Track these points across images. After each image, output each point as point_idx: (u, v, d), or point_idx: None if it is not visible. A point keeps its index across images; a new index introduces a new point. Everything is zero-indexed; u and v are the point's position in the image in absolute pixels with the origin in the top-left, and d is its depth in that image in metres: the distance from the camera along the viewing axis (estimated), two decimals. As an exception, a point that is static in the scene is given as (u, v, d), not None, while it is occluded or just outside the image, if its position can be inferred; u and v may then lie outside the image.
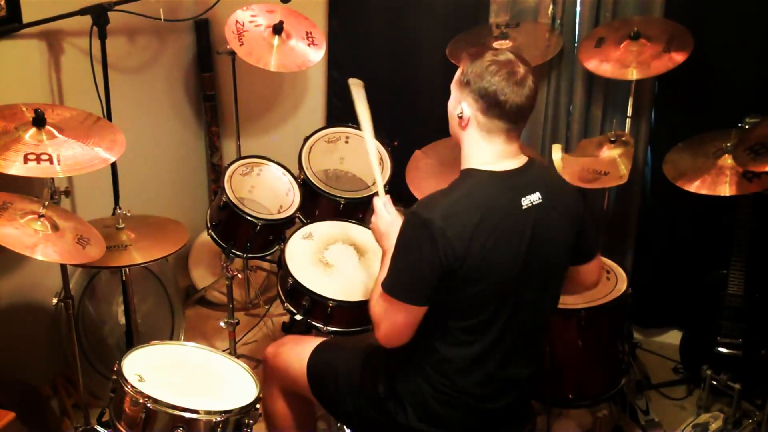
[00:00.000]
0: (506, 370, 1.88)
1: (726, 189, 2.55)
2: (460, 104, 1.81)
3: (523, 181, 1.82)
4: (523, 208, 1.79)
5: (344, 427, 2.33)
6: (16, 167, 2.06)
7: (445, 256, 1.72)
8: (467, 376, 1.86)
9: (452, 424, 1.90)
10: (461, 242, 1.72)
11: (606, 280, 2.61)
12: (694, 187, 2.59)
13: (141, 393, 1.94)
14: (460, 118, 1.82)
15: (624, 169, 2.74)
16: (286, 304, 2.53)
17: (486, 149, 1.82)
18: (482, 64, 1.77)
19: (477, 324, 1.82)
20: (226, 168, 2.81)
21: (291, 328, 2.87)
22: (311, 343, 2.19)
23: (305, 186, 2.89)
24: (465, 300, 1.79)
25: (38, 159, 2.11)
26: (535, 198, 1.80)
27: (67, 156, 2.15)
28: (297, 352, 2.17)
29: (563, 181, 1.98)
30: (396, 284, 1.79)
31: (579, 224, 1.92)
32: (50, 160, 2.12)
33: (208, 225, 2.80)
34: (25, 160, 2.09)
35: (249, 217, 2.67)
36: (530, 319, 1.88)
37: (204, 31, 3.59)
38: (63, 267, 2.41)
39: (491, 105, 1.76)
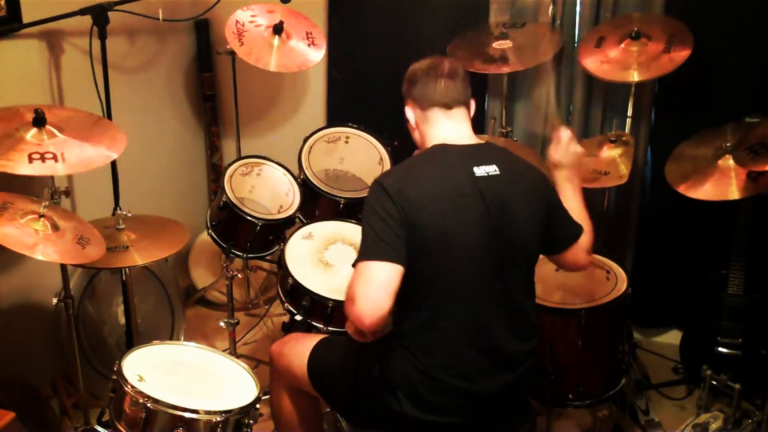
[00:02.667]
0: (488, 344, 1.89)
1: (735, 192, 2.53)
2: (406, 113, 2.03)
3: (479, 153, 1.93)
4: (476, 175, 1.87)
5: (344, 426, 2.33)
6: (22, 167, 2.07)
7: (404, 210, 1.80)
8: (449, 352, 1.87)
9: (445, 411, 1.91)
10: (416, 199, 1.81)
11: (606, 280, 2.61)
12: (704, 193, 2.56)
13: (141, 393, 1.94)
14: (408, 123, 2.03)
15: (624, 169, 2.74)
16: (286, 304, 2.53)
17: (436, 133, 1.97)
18: (409, 74, 2.02)
19: (447, 295, 1.85)
20: (226, 168, 2.81)
21: (291, 328, 2.87)
22: (312, 339, 2.20)
23: (305, 186, 2.89)
24: (433, 264, 1.83)
25: (42, 158, 2.11)
26: (491, 169, 1.88)
27: (69, 154, 2.15)
28: (298, 350, 2.18)
29: (528, 163, 2.02)
30: (364, 248, 1.82)
31: (550, 205, 1.99)
32: (55, 159, 2.12)
33: (208, 225, 2.80)
34: (30, 159, 2.09)
35: (249, 217, 2.67)
36: (505, 293, 1.90)
37: (204, 31, 3.59)
38: (63, 267, 2.41)
39: (422, 97, 1.97)
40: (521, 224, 1.90)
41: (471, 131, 1.99)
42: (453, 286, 1.85)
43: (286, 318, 2.95)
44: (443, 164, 1.90)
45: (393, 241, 1.79)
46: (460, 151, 1.92)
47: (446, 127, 1.96)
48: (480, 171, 1.87)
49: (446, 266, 1.84)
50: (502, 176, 1.89)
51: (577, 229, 2.07)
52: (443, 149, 1.93)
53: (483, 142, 1.98)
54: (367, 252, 1.81)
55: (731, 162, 2.56)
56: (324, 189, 2.88)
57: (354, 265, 1.83)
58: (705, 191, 2.58)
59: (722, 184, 2.56)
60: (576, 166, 2.17)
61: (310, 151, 2.98)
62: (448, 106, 1.95)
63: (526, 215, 1.91)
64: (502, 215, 1.86)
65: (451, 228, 1.83)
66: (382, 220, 1.81)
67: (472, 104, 2.02)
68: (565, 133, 2.18)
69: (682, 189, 2.61)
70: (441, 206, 1.83)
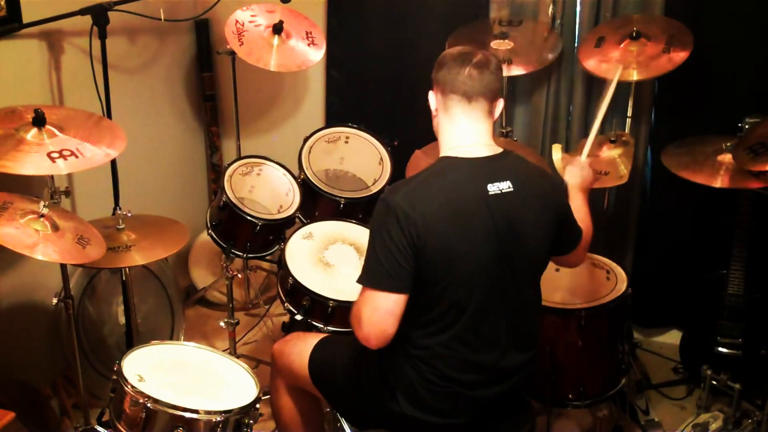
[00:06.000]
0: (491, 358, 1.89)
1: (719, 182, 2.54)
2: (429, 99, 1.95)
3: (493, 168, 1.86)
4: (490, 193, 1.82)
5: (344, 426, 2.33)
6: (23, 167, 2.07)
7: (410, 235, 1.76)
8: (449, 363, 1.87)
9: (445, 413, 1.91)
10: (424, 222, 1.76)
11: (606, 280, 2.61)
12: (690, 174, 2.59)
13: (141, 393, 1.94)
14: (431, 110, 1.95)
15: (624, 169, 2.74)
16: (286, 304, 2.53)
17: (452, 131, 1.90)
18: (440, 58, 1.92)
19: (453, 311, 1.83)
20: (226, 168, 2.81)
21: (291, 328, 2.87)
22: (314, 338, 2.20)
23: (305, 186, 2.89)
24: (439, 284, 1.81)
25: (61, 155, 2.11)
26: (504, 186, 1.84)
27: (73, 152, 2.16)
28: (300, 349, 2.18)
29: (542, 173, 1.99)
30: (371, 273, 1.81)
31: (561, 214, 1.97)
32: (74, 155, 2.14)
33: (208, 225, 2.80)
34: (52, 159, 2.09)
35: (249, 217, 2.67)
36: (511, 307, 1.89)
37: (204, 31, 3.59)
38: (63, 267, 2.41)
39: (445, 83, 1.88)
40: (531, 239, 1.87)
41: (489, 134, 1.91)
42: (458, 303, 1.83)
43: (286, 318, 2.96)
44: (455, 182, 1.83)
45: (398, 271, 1.78)
46: (474, 165, 1.86)
47: (463, 124, 1.88)
48: (493, 188, 1.82)
49: (452, 284, 1.82)
50: (515, 193, 1.84)
51: (579, 234, 2.07)
52: (455, 164, 1.86)
53: (499, 151, 1.91)
54: (372, 279, 1.81)
55: (728, 158, 2.57)
56: (324, 189, 2.88)
57: (359, 282, 1.83)
58: (691, 174, 2.60)
59: (711, 174, 2.57)
60: (585, 181, 2.26)
61: (310, 151, 2.99)
62: (468, 97, 1.86)
63: (536, 230, 1.88)
64: (512, 233, 1.83)
65: (458, 247, 1.80)
66: (388, 247, 1.78)
67: (500, 103, 1.92)
68: (582, 160, 2.30)
69: (676, 171, 2.64)
70: (449, 227, 1.79)
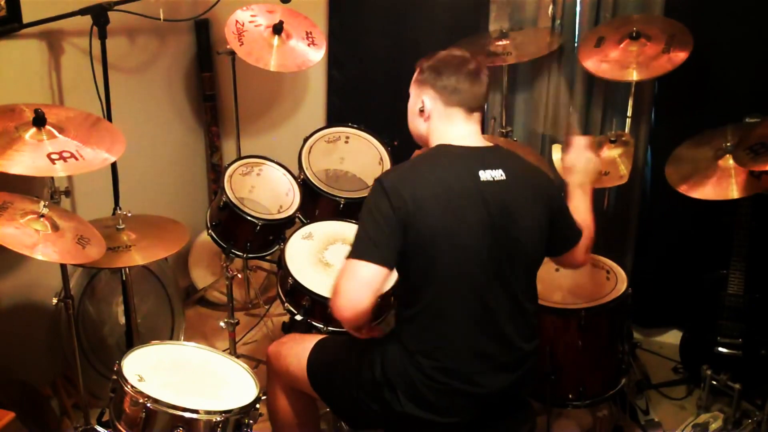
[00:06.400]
0: (488, 347, 1.90)
1: (735, 192, 2.53)
2: (420, 99, 1.98)
3: (486, 157, 1.91)
4: (481, 179, 1.85)
5: (344, 426, 2.33)
6: (18, 167, 2.06)
7: (398, 209, 1.79)
8: (449, 354, 1.87)
9: (446, 411, 1.91)
10: (413, 198, 1.80)
11: (606, 280, 2.61)
12: (704, 193, 2.57)
13: (141, 393, 1.94)
14: (422, 111, 1.98)
15: (624, 169, 2.74)
16: (286, 304, 2.53)
17: (448, 131, 1.95)
18: (437, 63, 1.96)
19: (446, 297, 1.85)
20: (226, 168, 2.81)
21: (291, 328, 2.87)
22: (311, 340, 2.20)
23: (305, 186, 2.89)
24: (429, 266, 1.83)
25: (61, 157, 2.11)
26: (497, 174, 1.87)
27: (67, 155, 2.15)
28: (297, 350, 2.18)
29: (534, 167, 2.02)
30: (356, 245, 1.83)
31: (555, 208, 1.98)
32: (74, 158, 2.14)
33: (208, 225, 2.80)
34: (51, 161, 2.09)
35: (249, 217, 2.67)
36: (506, 298, 1.90)
37: (204, 31, 3.59)
38: (63, 267, 2.41)
39: (447, 94, 1.93)
40: (524, 230, 1.89)
41: (480, 132, 1.97)
42: (451, 288, 1.85)
43: (286, 318, 2.96)
44: (447, 166, 1.88)
45: (381, 243, 1.80)
46: (467, 153, 1.91)
47: (460, 127, 1.94)
48: (486, 175, 1.86)
49: (444, 268, 1.83)
50: (508, 181, 1.88)
51: (578, 234, 2.07)
52: (449, 150, 1.91)
53: (491, 144, 1.96)
54: (355, 250, 1.83)
55: (731, 162, 2.56)
56: (324, 189, 2.88)
57: (346, 257, 1.84)
58: (705, 191, 2.58)
59: (722, 184, 2.56)
60: (589, 173, 2.22)
61: (310, 151, 2.99)
62: (470, 110, 1.94)
63: (529, 221, 1.91)
64: (505, 220, 1.86)
65: (450, 230, 1.82)
66: (375, 219, 1.81)
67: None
68: (579, 140, 2.24)
69: (683, 189, 2.62)
70: (440, 208, 1.81)
